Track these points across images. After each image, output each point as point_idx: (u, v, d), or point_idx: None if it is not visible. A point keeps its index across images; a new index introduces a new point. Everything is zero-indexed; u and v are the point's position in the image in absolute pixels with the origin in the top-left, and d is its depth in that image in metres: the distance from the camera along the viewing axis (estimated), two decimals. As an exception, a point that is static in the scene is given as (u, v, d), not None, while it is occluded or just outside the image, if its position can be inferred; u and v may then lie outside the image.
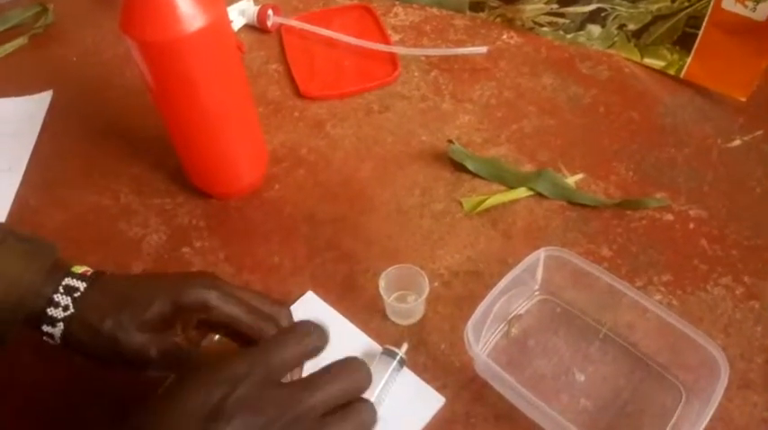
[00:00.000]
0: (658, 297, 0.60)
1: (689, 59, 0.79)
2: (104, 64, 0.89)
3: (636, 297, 0.53)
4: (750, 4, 0.71)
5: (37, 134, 0.80)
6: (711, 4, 0.74)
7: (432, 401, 0.54)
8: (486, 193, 0.69)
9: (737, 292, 0.60)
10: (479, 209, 0.68)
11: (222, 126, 0.64)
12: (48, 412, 0.56)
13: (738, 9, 0.72)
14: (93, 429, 0.54)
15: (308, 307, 0.61)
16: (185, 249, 0.67)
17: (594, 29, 0.85)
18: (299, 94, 0.82)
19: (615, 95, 0.80)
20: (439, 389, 0.55)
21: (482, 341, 0.57)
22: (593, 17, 0.84)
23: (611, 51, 0.85)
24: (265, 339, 0.45)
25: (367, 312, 0.60)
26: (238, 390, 0.37)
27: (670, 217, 0.67)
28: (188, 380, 0.39)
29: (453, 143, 0.73)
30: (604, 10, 0.82)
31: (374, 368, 0.54)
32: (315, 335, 0.41)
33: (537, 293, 0.61)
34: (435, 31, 0.90)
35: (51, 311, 0.47)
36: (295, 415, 0.38)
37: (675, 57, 0.80)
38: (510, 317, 0.59)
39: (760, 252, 0.63)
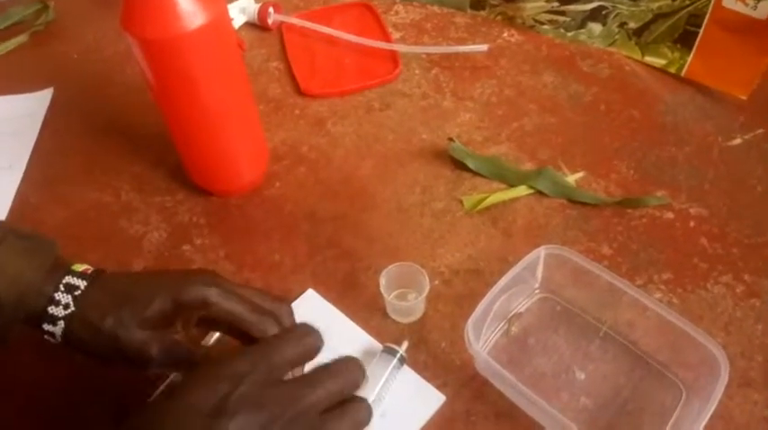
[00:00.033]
0: (659, 295, 0.60)
1: (690, 58, 0.78)
2: (105, 61, 0.89)
3: (636, 295, 0.53)
4: (751, 3, 0.70)
5: (38, 131, 0.80)
6: (712, 2, 0.73)
7: (432, 399, 0.55)
8: (487, 192, 0.69)
9: (738, 291, 0.60)
10: (480, 207, 0.68)
11: (223, 124, 0.64)
12: (49, 410, 0.56)
13: (739, 7, 0.72)
14: (95, 427, 0.54)
15: (309, 304, 0.61)
16: (186, 247, 0.67)
17: (595, 27, 0.84)
18: (299, 91, 0.82)
19: (616, 93, 0.80)
20: (439, 387, 0.55)
21: (482, 339, 0.57)
22: (594, 15, 0.83)
23: (612, 49, 0.85)
24: (267, 337, 0.45)
25: (367, 310, 0.61)
26: (241, 388, 0.38)
27: (670, 215, 0.67)
28: (191, 378, 0.39)
29: (454, 141, 0.73)
30: (605, 8, 0.82)
31: (374, 366, 0.54)
32: (314, 336, 0.43)
33: (537, 291, 0.61)
34: (436, 29, 0.90)
35: (52, 310, 0.47)
36: (296, 412, 0.38)
37: (676, 55, 0.80)
38: (510, 315, 0.59)
39: (760, 250, 0.63)
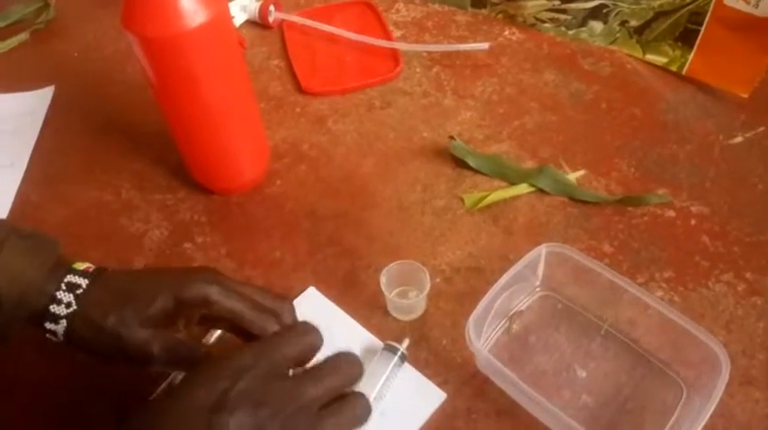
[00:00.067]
0: (660, 293, 0.60)
1: (691, 56, 0.78)
2: (106, 59, 0.89)
3: (637, 293, 0.53)
4: (752, 1, 0.70)
5: (38, 130, 0.80)
6: (713, 0, 0.73)
7: (433, 397, 0.55)
8: (488, 190, 0.69)
9: (739, 289, 0.60)
10: (481, 205, 0.68)
11: (224, 122, 0.64)
12: (51, 409, 0.56)
13: (741, 5, 0.72)
14: (97, 426, 0.54)
15: (310, 302, 0.61)
16: (187, 245, 0.67)
17: (596, 25, 0.84)
18: (300, 89, 0.82)
19: (617, 92, 0.80)
20: (440, 384, 0.55)
21: (483, 337, 0.57)
22: (595, 13, 0.83)
23: (613, 47, 0.85)
24: (268, 335, 0.45)
25: (368, 308, 0.61)
26: (241, 383, 0.38)
27: (672, 213, 0.67)
28: (192, 376, 0.39)
29: (455, 139, 0.73)
30: (606, 6, 0.82)
31: (375, 364, 0.54)
32: (314, 335, 0.43)
33: (538, 289, 0.61)
34: (437, 27, 0.90)
35: (54, 308, 0.47)
36: (296, 407, 0.39)
37: (677, 53, 0.80)
38: (511, 313, 0.59)
39: (762, 248, 0.63)
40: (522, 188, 0.69)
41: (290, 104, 0.81)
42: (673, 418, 0.52)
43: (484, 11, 0.91)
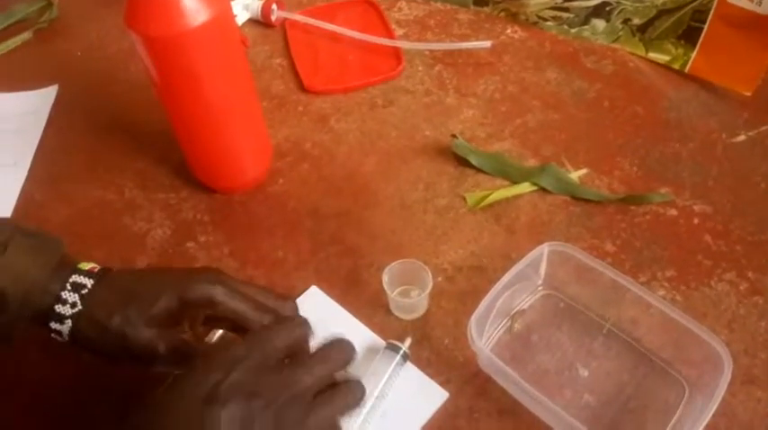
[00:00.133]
0: (662, 292, 0.60)
1: (694, 54, 0.78)
2: (109, 59, 0.90)
3: (639, 292, 0.53)
4: (756, -1, 0.70)
5: (42, 129, 0.80)
6: (716, -2, 0.73)
7: (435, 396, 0.55)
8: (490, 188, 0.69)
9: (741, 288, 0.60)
10: (483, 204, 0.68)
11: (226, 120, 0.64)
12: (55, 409, 0.56)
13: (744, 3, 0.71)
14: (101, 426, 0.54)
15: (312, 301, 0.61)
16: (190, 244, 0.67)
17: (599, 23, 0.84)
18: (303, 88, 0.82)
19: (619, 90, 0.79)
20: (442, 383, 0.55)
21: (485, 336, 0.57)
22: (598, 11, 0.83)
23: (616, 46, 0.85)
24: (259, 327, 0.46)
25: (371, 307, 0.61)
26: (233, 375, 0.38)
27: (674, 212, 0.67)
28: (188, 369, 0.40)
29: (457, 138, 0.73)
30: (609, 4, 0.82)
31: (377, 362, 0.55)
32: (304, 325, 0.44)
33: (540, 288, 0.61)
34: (439, 26, 0.90)
35: (59, 308, 0.47)
36: (288, 397, 0.39)
37: (680, 51, 0.80)
38: (513, 312, 0.59)
39: (764, 247, 0.63)
40: (525, 187, 0.69)
41: (293, 103, 0.81)
42: (675, 417, 0.52)
43: (486, 9, 0.91)
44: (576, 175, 0.70)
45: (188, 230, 0.68)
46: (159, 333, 0.47)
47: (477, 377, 0.56)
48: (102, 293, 0.48)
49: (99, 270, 0.50)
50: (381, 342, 0.57)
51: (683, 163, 0.71)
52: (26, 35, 0.94)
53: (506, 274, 0.54)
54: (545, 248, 0.57)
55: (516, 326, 0.59)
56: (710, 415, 0.46)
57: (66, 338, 0.48)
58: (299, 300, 0.61)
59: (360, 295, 0.62)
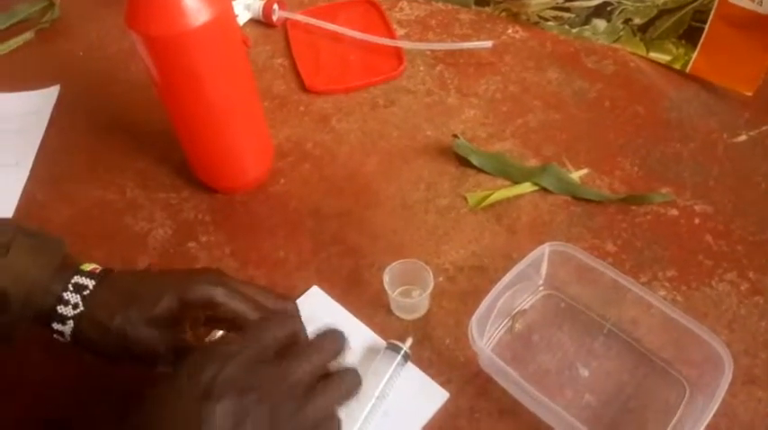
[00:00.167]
0: (663, 292, 0.60)
1: (695, 54, 0.78)
2: (110, 59, 0.90)
3: (640, 292, 0.53)
4: (757, -2, 0.70)
5: (44, 129, 0.80)
6: (717, -3, 0.73)
7: (436, 396, 0.55)
8: (491, 188, 0.69)
9: (742, 288, 0.60)
10: (484, 204, 0.68)
11: (227, 120, 0.64)
12: (57, 409, 0.56)
13: (745, 3, 0.71)
14: (102, 426, 0.54)
15: (313, 301, 0.61)
16: (191, 244, 0.67)
17: (600, 23, 0.84)
18: (304, 88, 0.82)
19: (620, 90, 0.79)
20: (443, 383, 0.55)
21: (486, 336, 0.57)
22: (599, 11, 0.83)
23: (617, 46, 0.85)
24: (253, 322, 0.46)
25: (372, 307, 0.61)
26: (227, 369, 0.38)
27: (675, 212, 0.67)
28: (184, 366, 0.40)
29: (458, 138, 0.73)
30: (610, 4, 0.82)
31: (378, 362, 0.55)
32: (297, 319, 0.45)
33: (541, 288, 0.61)
34: (441, 26, 0.90)
35: (61, 309, 0.47)
36: (283, 390, 0.39)
37: (681, 51, 0.80)
38: (514, 312, 0.59)
39: (765, 247, 0.63)
40: (526, 187, 0.69)
41: (294, 103, 0.81)
42: (675, 418, 0.52)
43: (487, 9, 0.91)
44: (576, 175, 0.70)
45: (189, 230, 0.69)
46: (160, 334, 0.47)
47: (478, 377, 0.56)
48: (103, 294, 0.48)
49: (100, 271, 0.50)
50: (382, 342, 0.57)
51: (683, 163, 0.71)
52: (28, 35, 0.94)
53: (507, 274, 0.54)
54: (546, 248, 0.57)
55: (517, 326, 0.59)
56: (711, 415, 0.46)
57: (69, 339, 0.48)
58: (300, 300, 0.61)
59: (361, 295, 0.62)
